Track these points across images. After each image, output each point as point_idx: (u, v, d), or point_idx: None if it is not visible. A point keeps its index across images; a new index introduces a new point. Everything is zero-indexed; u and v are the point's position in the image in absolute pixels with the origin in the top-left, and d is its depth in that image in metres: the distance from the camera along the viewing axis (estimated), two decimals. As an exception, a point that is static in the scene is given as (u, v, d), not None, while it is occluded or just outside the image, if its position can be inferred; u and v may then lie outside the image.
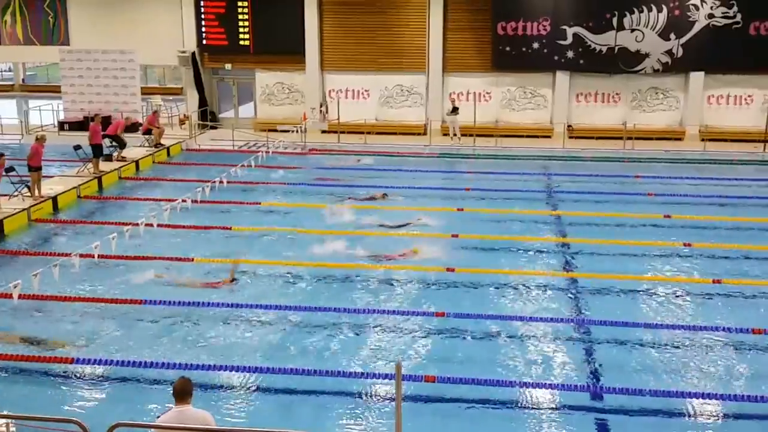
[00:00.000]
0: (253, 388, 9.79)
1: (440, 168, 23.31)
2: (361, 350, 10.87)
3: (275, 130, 26.94)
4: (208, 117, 29.21)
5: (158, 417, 7.08)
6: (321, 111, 28.39)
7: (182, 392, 6.80)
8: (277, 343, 11.12)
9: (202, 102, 29.32)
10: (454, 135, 26.45)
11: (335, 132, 26.99)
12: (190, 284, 13.17)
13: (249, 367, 10.15)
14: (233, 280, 13.26)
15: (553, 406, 9.51)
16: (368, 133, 26.83)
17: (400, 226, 16.68)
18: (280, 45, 28.17)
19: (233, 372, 10.05)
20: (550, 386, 9.91)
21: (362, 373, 10.10)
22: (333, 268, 13.87)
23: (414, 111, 28.37)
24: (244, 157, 21.68)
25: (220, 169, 19.94)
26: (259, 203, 18.48)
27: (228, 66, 29.25)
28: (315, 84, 28.44)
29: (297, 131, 26.02)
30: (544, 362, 10.60)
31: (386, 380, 9.83)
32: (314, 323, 11.65)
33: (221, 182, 18.74)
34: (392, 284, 13.38)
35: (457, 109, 26.53)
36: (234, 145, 25.65)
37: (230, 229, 16.38)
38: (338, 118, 27.47)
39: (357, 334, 11.35)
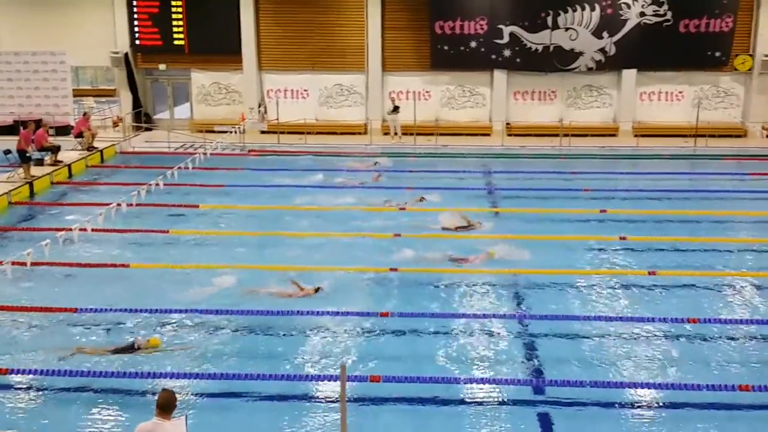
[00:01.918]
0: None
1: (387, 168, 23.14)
2: (302, 352, 10.77)
3: (213, 131, 26.58)
4: (142, 119, 28.60)
5: (136, 428, 6.92)
6: (260, 111, 28.11)
7: (165, 405, 6.68)
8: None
9: (136, 103, 28.70)
10: (395, 134, 26.52)
11: (275, 132, 26.75)
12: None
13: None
14: (317, 289, 12.84)
15: (497, 401, 9.57)
16: (308, 133, 26.67)
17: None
18: (216, 45, 27.78)
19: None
20: (493, 381, 9.97)
21: (308, 376, 10.03)
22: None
23: (354, 110, 28.32)
24: (181, 158, 21.27)
25: (157, 172, 19.54)
26: (198, 206, 18.17)
27: (162, 66, 28.69)
28: (253, 84, 28.13)
29: (235, 132, 25.70)
30: (486, 358, 10.65)
31: (331, 381, 9.76)
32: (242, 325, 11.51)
33: (157, 185, 18.34)
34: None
35: (398, 108, 26.60)
36: (170, 146, 25.18)
37: (168, 233, 16.06)
38: (277, 118, 27.23)
39: (292, 335, 11.24)
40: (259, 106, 28.18)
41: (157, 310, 11.82)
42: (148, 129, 28.31)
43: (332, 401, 9.39)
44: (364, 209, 17.82)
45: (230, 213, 17.71)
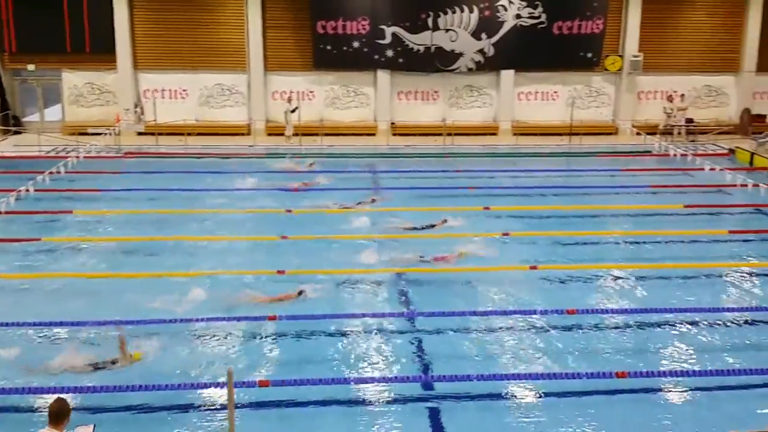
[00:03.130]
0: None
1: (266, 168, 22.78)
2: (188, 359, 10.42)
3: (86, 134, 25.43)
4: (10, 121, 26.99)
5: None
6: (136, 112, 27.09)
7: (58, 414, 6.50)
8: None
9: (3, 105, 27.06)
10: (289, 135, 26.21)
11: (153, 134, 25.85)
12: None
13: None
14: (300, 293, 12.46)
15: (387, 399, 9.58)
16: (189, 134, 25.95)
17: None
18: (89, 43, 26.55)
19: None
20: (383, 380, 9.98)
21: (192, 384, 9.69)
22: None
23: (236, 111, 27.78)
24: (53, 163, 20.21)
25: (27, 177, 18.51)
26: (71, 212, 17.28)
27: (31, 67, 27.18)
28: (128, 84, 27.09)
29: (110, 134, 24.68)
30: (375, 357, 10.65)
31: (217, 388, 9.48)
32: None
33: (27, 191, 17.35)
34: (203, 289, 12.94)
35: (296, 108, 26.38)
36: (41, 150, 23.89)
37: (40, 240, 15.20)
38: (155, 119, 26.34)
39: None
40: (136, 107, 27.17)
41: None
42: (16, 132, 26.74)
43: (219, 408, 9.14)
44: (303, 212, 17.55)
45: (109, 218, 16.98)
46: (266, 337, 11.14)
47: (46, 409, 6.83)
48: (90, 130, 25.68)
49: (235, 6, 26.96)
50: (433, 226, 16.44)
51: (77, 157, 21.41)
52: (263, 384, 9.53)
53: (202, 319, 11.40)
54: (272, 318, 11.53)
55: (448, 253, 14.46)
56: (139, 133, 26.65)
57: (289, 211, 17.53)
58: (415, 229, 16.31)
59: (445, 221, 16.67)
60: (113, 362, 10.11)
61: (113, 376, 9.83)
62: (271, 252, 14.97)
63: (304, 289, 12.60)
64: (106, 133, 24.50)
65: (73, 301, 12.24)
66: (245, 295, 12.54)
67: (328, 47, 26.91)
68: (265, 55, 27.33)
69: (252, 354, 10.64)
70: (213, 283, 12.99)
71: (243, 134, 27.00)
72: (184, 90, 27.59)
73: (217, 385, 9.53)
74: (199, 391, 9.55)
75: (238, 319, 11.57)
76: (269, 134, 27.02)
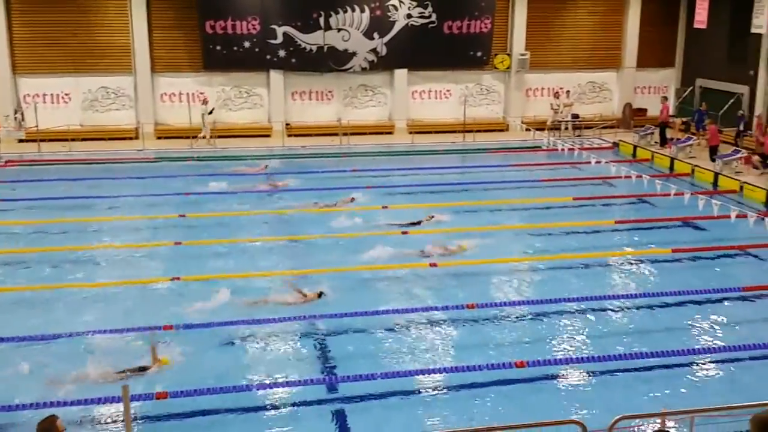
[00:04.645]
0: None
1: (159, 173, 22.02)
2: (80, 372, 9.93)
3: (-39, 142, 23.96)
4: None
5: None
6: (16, 118, 25.67)
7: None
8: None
9: None
10: (204, 137, 25.48)
11: (35, 141, 24.58)
12: None
13: None
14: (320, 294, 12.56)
15: (292, 403, 9.46)
16: (73, 140, 24.85)
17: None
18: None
19: None
20: (288, 384, 9.85)
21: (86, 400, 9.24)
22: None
23: (123, 114, 26.74)
24: None
25: None
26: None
27: None
28: (7, 89, 25.63)
29: (-12, 142, 23.35)
30: (279, 362, 10.50)
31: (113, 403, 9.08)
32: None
33: None
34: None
35: (213, 109, 25.69)
36: None
37: None
38: (37, 126, 25.05)
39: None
40: (16, 113, 25.74)
41: None
42: None
43: (116, 423, 8.78)
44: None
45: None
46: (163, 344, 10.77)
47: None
48: (-36, 138, 24.23)
49: (119, 6, 25.96)
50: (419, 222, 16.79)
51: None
52: (161, 396, 9.20)
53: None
54: (168, 328, 11.18)
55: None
56: (20, 140, 25.27)
57: (183, 215, 17.12)
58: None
59: (432, 217, 16.99)
60: (142, 369, 10.00)
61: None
62: (166, 258, 14.52)
63: (324, 291, 12.66)
64: (-18, 141, 23.16)
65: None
66: (271, 298, 12.47)
67: (218, 47, 26.34)
68: (152, 56, 26.48)
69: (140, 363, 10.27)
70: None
71: (131, 138, 26.08)
72: (66, 94, 26.36)
73: (113, 400, 9.12)
74: (92, 406, 9.12)
75: (128, 330, 11.15)
76: (159, 137, 26.21)
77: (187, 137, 25.29)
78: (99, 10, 25.92)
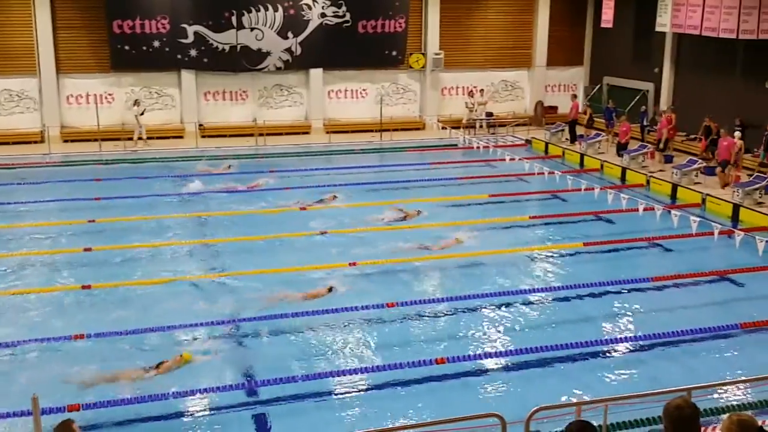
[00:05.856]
0: None
1: (68, 177, 21.21)
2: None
3: None
4: None
5: None
6: None
7: None
8: None
9: None
10: (140, 138, 24.67)
11: (-69, 145, 23.34)
12: None
13: None
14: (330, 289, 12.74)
15: (210, 408, 9.27)
16: (-26, 144, 23.72)
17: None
18: None
19: None
20: (206, 390, 9.62)
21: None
22: None
23: (27, 117, 25.63)
24: None
25: None
26: None
27: None
28: None
29: None
30: (194, 368, 10.25)
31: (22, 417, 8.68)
32: None
33: None
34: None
35: (144, 110, 25.01)
36: None
37: None
38: (-67, 130, 23.80)
39: None
40: None
41: None
42: None
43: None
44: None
45: None
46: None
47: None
48: None
49: (21, 7, 24.88)
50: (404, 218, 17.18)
51: None
52: (72, 408, 8.84)
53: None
54: (78, 337, 10.80)
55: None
56: None
57: (92, 221, 16.60)
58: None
59: (420, 212, 17.39)
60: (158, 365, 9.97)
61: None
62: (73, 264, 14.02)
63: (334, 286, 12.79)
64: None
65: None
66: (280, 292, 12.41)
67: (126, 47, 25.56)
68: (57, 58, 25.49)
69: (53, 376, 9.85)
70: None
71: (36, 142, 25.04)
72: (-35, 97, 25.16)
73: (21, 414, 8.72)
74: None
75: (39, 340, 10.70)
76: (65, 141, 25.28)
77: (95, 140, 24.44)
78: (0, 11, 24.80)
